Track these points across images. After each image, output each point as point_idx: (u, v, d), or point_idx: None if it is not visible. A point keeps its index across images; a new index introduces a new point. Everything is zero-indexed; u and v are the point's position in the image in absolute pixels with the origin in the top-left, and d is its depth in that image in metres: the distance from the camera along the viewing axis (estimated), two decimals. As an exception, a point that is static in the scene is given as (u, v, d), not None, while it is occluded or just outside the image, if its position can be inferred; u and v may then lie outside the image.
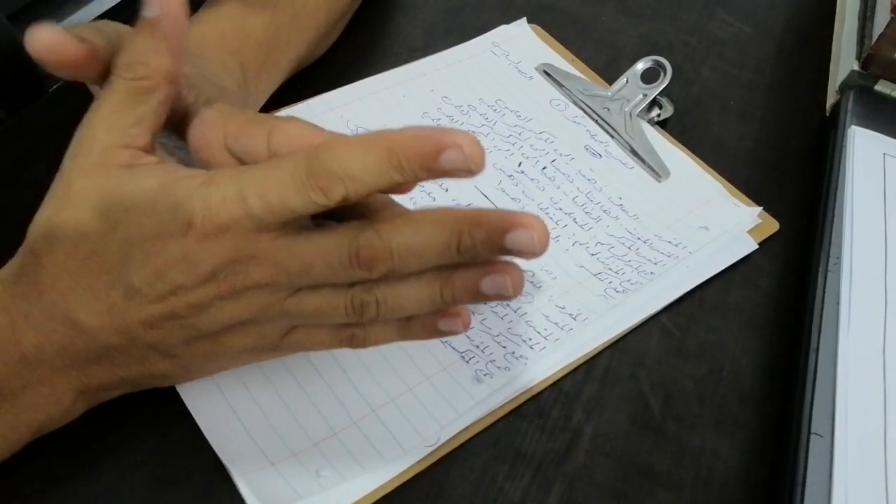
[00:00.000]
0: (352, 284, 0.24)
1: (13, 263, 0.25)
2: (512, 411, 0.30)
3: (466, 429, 0.29)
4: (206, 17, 0.34)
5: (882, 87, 0.42)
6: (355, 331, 0.26)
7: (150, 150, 0.25)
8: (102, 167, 0.24)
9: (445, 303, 0.25)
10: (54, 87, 0.39)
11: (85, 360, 0.25)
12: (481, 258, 0.24)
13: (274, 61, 0.35)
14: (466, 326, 0.26)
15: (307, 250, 0.23)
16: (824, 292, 0.33)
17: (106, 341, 0.24)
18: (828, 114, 0.43)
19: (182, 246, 0.23)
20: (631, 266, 0.35)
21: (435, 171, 0.22)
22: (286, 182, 0.22)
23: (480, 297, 0.24)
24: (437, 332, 0.26)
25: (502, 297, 0.24)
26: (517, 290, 0.24)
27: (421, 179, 0.23)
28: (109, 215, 0.23)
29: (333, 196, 0.22)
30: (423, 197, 0.36)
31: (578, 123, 0.41)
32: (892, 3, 0.40)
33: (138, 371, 0.26)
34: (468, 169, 0.22)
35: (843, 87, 0.42)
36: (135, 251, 0.23)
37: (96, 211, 0.23)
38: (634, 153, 0.39)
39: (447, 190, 0.37)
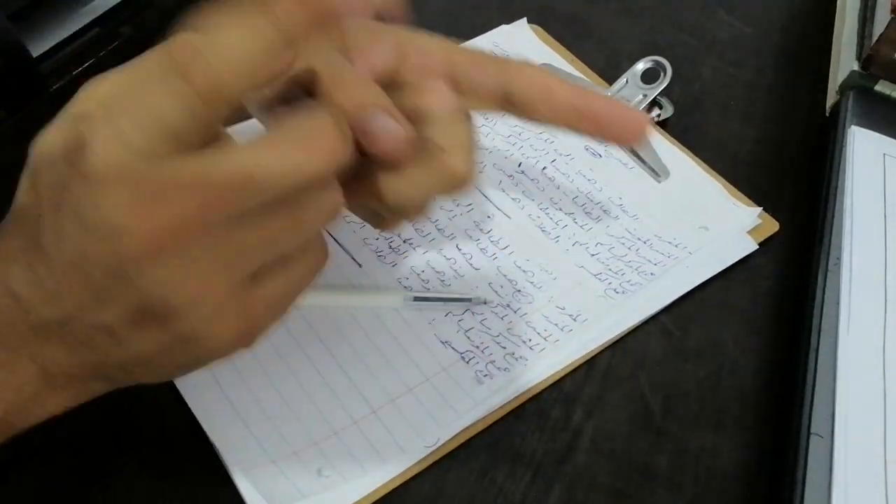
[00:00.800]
0: None
1: None
2: (512, 412, 0.30)
3: (466, 429, 0.29)
4: None
5: (882, 87, 0.42)
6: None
7: None
8: None
9: None
10: (54, 87, 0.39)
11: (35, 337, 0.23)
12: None
13: None
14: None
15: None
16: (824, 292, 0.33)
17: (45, 315, 0.22)
18: (828, 114, 0.43)
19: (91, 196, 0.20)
20: (631, 266, 0.35)
21: None
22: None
23: None
24: None
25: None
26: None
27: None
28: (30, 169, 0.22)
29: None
30: (423, 197, 0.36)
31: (578, 124, 0.41)
32: (892, 4, 0.40)
33: (95, 357, 0.24)
34: None
35: (843, 88, 0.42)
36: (41, 209, 0.21)
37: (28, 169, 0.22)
38: (634, 153, 0.39)
39: (447, 190, 0.37)
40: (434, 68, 0.25)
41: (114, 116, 0.20)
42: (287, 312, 0.24)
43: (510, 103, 0.25)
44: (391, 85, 0.25)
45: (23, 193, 0.22)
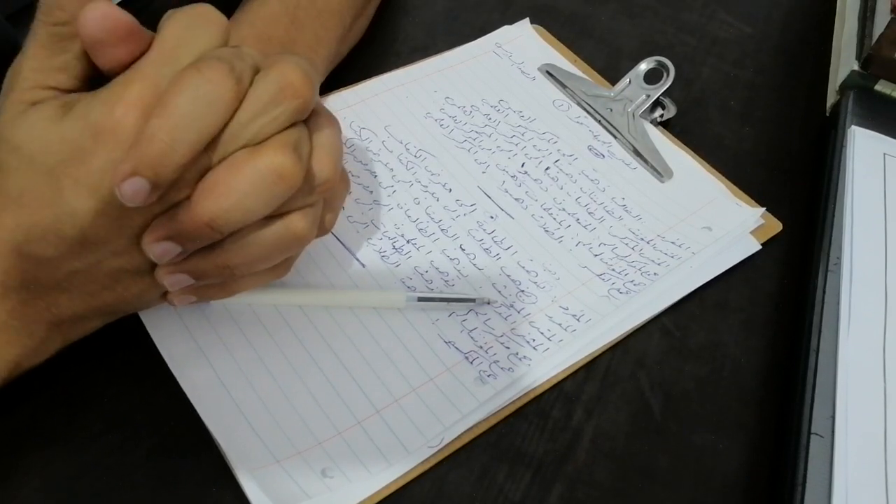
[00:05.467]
0: None
1: None
2: (512, 412, 0.31)
3: (469, 429, 0.30)
4: None
5: (882, 87, 0.42)
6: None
7: (72, 87, 0.25)
8: (21, 102, 0.24)
9: None
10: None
11: (51, 289, 0.25)
12: None
13: None
14: None
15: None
16: (825, 292, 0.33)
17: (69, 267, 0.25)
18: (828, 114, 0.43)
19: (106, 154, 0.23)
20: (634, 267, 0.35)
21: None
22: None
23: None
24: None
25: None
26: None
27: None
28: (24, 150, 0.23)
29: None
30: (426, 197, 0.37)
31: (581, 124, 0.41)
32: (892, 3, 0.40)
33: (112, 298, 0.26)
34: None
35: (844, 88, 0.42)
36: (60, 174, 0.23)
37: (13, 148, 0.24)
38: (637, 153, 0.39)
39: (451, 190, 0.37)
40: None
41: None
42: None
43: None
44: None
45: (24, 171, 0.24)
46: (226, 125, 0.24)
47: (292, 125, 0.25)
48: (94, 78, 0.25)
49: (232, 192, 0.24)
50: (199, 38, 0.24)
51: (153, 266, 0.26)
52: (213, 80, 0.23)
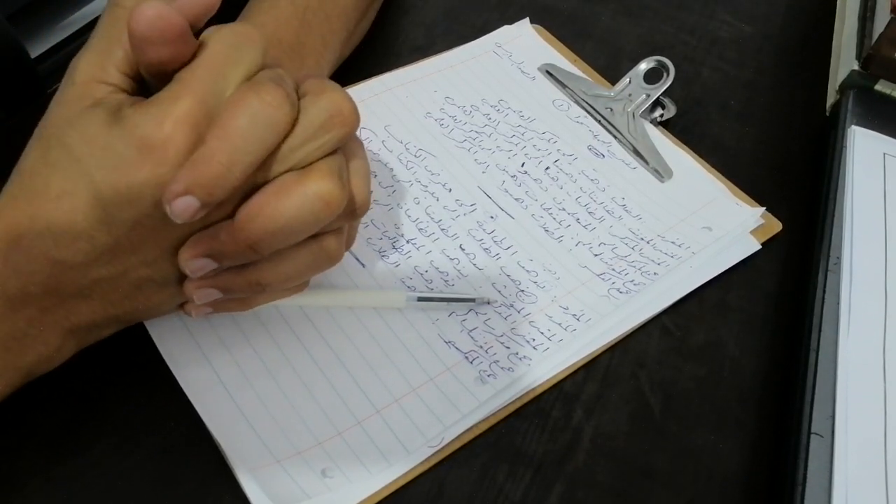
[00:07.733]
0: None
1: None
2: (512, 411, 0.31)
3: (468, 429, 0.30)
4: None
5: (882, 86, 0.42)
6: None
7: (126, 85, 0.24)
8: (79, 100, 0.24)
9: None
10: (54, 87, 0.39)
11: (73, 296, 0.25)
12: None
13: (311, 65, 0.35)
14: None
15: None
16: (824, 292, 0.33)
17: (96, 275, 0.25)
18: (828, 114, 0.43)
19: (152, 168, 0.22)
20: (634, 266, 0.35)
21: None
22: None
23: None
24: None
25: None
26: None
27: None
28: (73, 151, 0.23)
29: None
30: (426, 196, 0.37)
31: (581, 123, 0.41)
32: (892, 3, 0.40)
33: (132, 306, 0.26)
34: None
35: (843, 87, 0.42)
36: (101, 182, 0.23)
37: (63, 147, 0.23)
38: (637, 153, 0.39)
39: (451, 190, 0.37)
40: None
41: None
42: None
43: None
44: None
45: (66, 171, 0.24)
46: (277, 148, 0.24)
47: (334, 151, 0.25)
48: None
49: (279, 216, 0.24)
50: (245, 57, 0.24)
51: (180, 277, 0.26)
52: (273, 105, 0.23)
